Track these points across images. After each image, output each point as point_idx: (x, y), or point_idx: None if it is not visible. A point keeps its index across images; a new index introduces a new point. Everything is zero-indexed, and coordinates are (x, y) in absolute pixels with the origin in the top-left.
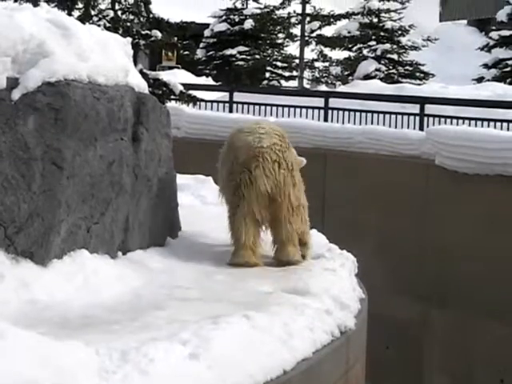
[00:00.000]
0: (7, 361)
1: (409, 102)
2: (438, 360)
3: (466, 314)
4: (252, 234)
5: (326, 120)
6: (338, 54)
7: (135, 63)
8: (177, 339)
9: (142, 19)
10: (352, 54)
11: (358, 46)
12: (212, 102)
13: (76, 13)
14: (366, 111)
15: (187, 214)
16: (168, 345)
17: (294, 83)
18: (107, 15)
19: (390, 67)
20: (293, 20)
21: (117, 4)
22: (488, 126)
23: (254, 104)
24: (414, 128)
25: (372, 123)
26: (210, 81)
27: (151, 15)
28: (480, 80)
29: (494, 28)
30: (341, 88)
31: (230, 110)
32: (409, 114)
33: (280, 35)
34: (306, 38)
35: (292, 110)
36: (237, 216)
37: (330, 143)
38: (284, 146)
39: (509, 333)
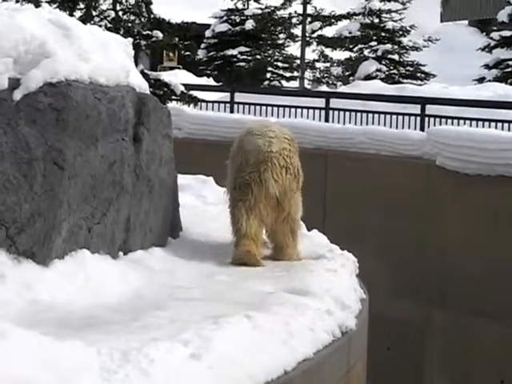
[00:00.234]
0: (8, 361)
1: (410, 103)
2: (439, 360)
3: (467, 314)
4: (254, 225)
5: (327, 120)
6: (339, 55)
7: (136, 64)
8: (178, 339)
9: (143, 20)
10: (353, 55)
11: (359, 46)
12: (213, 102)
13: (77, 13)
14: (367, 112)
15: (188, 215)
16: (169, 345)
17: (295, 84)
18: (108, 16)
19: (391, 68)
20: (294, 20)
21: (118, 4)
22: (489, 126)
23: (255, 104)
24: (415, 128)
25: (373, 124)
26: (211, 81)
27: (152, 16)
28: (481, 80)
29: (494, 28)
30: (342, 88)
31: (231, 111)
32: (410, 115)
33: (281, 36)
34: (307, 39)
35: (293, 110)
36: (237, 207)
37: (331, 144)
38: (292, 150)
39: (510, 333)
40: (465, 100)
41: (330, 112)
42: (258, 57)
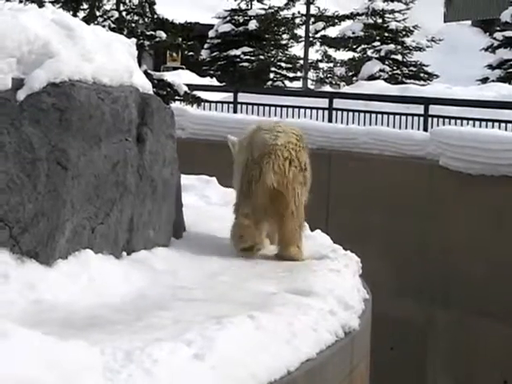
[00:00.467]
0: (11, 361)
1: (413, 103)
2: (442, 360)
3: (470, 314)
4: (252, 208)
5: (330, 121)
6: (343, 55)
7: (140, 64)
8: (181, 339)
9: (146, 20)
10: (356, 55)
11: (363, 46)
12: (216, 102)
13: (81, 13)
14: (371, 112)
15: (191, 215)
16: (172, 345)
17: (298, 84)
18: (112, 16)
19: (395, 68)
20: (297, 21)
21: (121, 5)
22: (492, 126)
23: (259, 105)
24: (419, 129)
25: (376, 124)
26: (214, 81)
27: (156, 16)
28: (484, 81)
29: (498, 29)
30: (345, 89)
31: (235, 111)
32: (413, 115)
33: (284, 36)
34: (311, 39)
35: (296, 110)
36: (238, 200)
37: (334, 144)
38: (299, 145)
39: None
40: (468, 100)
41: (334, 112)
42: (262, 57)
